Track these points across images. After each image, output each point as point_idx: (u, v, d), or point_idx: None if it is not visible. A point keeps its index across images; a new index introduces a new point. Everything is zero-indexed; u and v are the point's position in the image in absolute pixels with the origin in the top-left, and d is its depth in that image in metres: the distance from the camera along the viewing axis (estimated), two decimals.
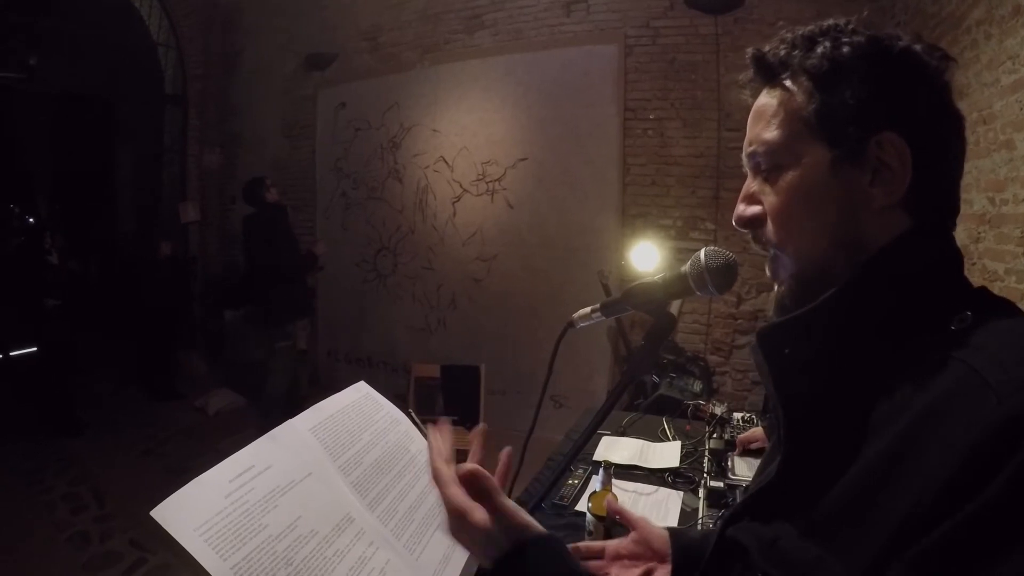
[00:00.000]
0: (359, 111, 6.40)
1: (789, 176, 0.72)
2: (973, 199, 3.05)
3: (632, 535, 1.18)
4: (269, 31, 6.99)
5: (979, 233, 3.02)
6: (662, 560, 1.10)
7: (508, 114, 5.45)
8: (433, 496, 0.99)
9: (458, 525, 0.74)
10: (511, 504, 0.74)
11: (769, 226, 0.75)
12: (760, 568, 0.69)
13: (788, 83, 0.73)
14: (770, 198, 0.74)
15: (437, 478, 0.78)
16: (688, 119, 4.85)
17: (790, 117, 0.72)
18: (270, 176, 5.42)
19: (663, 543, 1.10)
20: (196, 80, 7.40)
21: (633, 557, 1.16)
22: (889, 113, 0.67)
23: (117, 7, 6.85)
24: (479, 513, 0.72)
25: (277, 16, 6.86)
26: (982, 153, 2.98)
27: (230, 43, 7.44)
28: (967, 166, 2.50)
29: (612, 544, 1.19)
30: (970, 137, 3.01)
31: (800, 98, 0.71)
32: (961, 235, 3.13)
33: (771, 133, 0.73)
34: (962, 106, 2.49)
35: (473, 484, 0.75)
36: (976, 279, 3.01)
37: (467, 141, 5.69)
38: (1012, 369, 0.52)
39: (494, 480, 0.76)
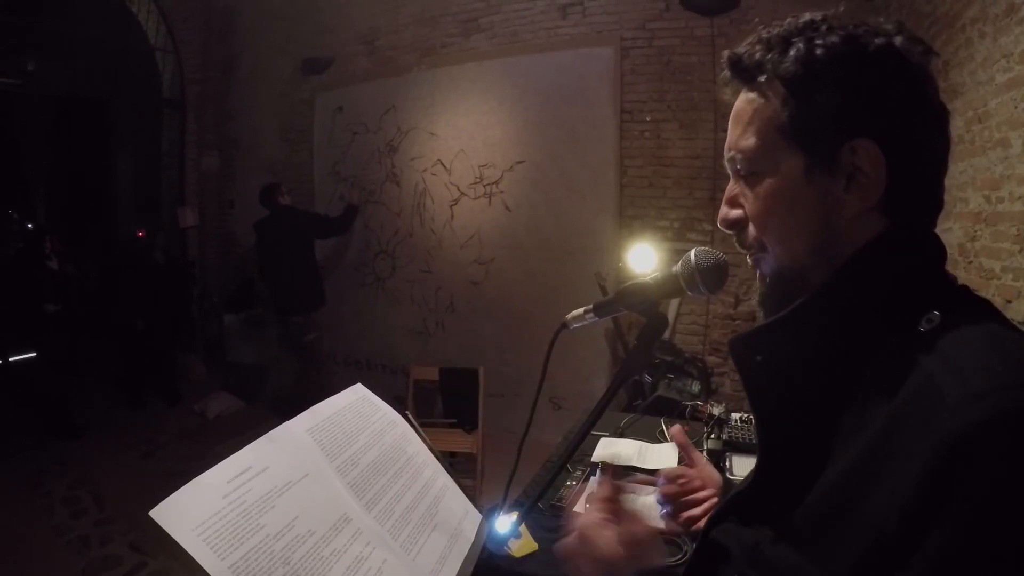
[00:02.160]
0: (356, 115, 6.41)
1: (766, 183, 0.72)
2: (969, 197, 3.06)
3: (693, 470, 1.21)
4: (266, 35, 7.00)
5: (975, 231, 3.03)
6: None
7: (505, 117, 5.46)
8: (430, 497, 1.00)
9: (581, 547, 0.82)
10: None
11: (751, 229, 0.76)
12: (741, 571, 0.71)
13: (764, 87, 0.72)
14: (750, 203, 0.75)
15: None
16: (684, 121, 4.85)
17: (765, 125, 0.72)
18: (264, 179, 5.78)
19: (716, 485, 1.13)
20: (194, 84, 7.41)
21: (690, 479, 1.20)
22: (863, 118, 0.66)
23: (114, 11, 6.86)
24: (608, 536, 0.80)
25: (274, 20, 6.87)
26: (977, 151, 2.99)
27: (227, 47, 7.45)
28: (962, 165, 2.52)
29: (668, 469, 1.22)
30: (965, 135, 3.02)
31: (775, 104, 0.71)
32: (957, 233, 3.13)
33: (748, 140, 0.74)
34: (957, 105, 2.51)
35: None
36: (972, 277, 3.02)
37: (464, 144, 5.70)
38: (969, 380, 0.52)
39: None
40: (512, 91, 5.42)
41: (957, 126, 3.11)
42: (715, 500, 1.11)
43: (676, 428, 1.36)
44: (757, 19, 0.79)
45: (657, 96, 4.92)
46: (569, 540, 0.84)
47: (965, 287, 0.69)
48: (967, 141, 3.06)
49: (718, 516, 0.81)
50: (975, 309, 0.64)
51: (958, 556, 0.48)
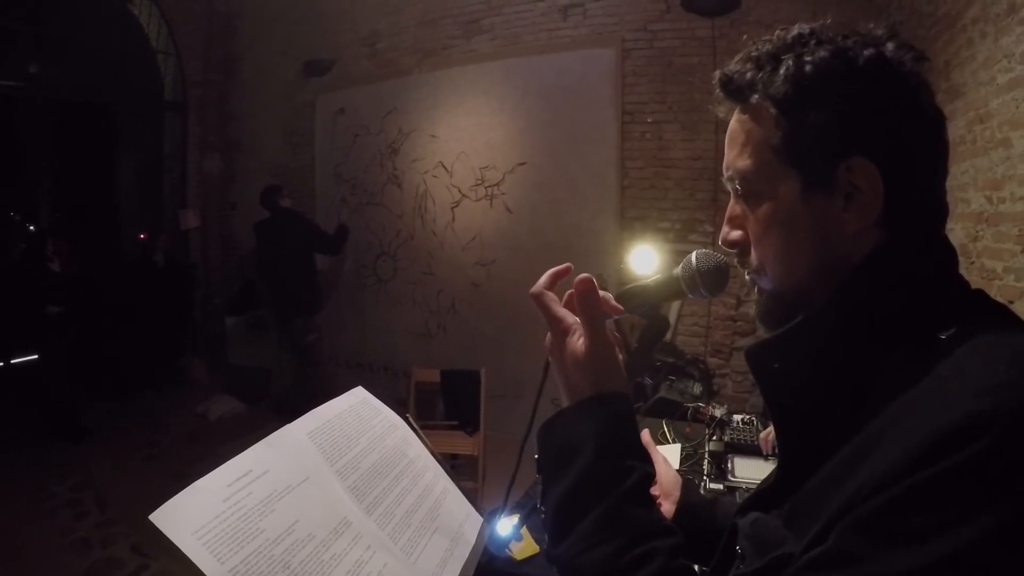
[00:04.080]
0: (358, 117, 6.42)
1: (765, 206, 0.73)
2: (971, 198, 3.06)
3: None
4: (268, 38, 7.01)
5: (977, 232, 3.02)
6: (665, 497, 1.10)
7: (506, 119, 5.46)
8: (431, 500, 1.00)
9: (557, 343, 0.81)
10: (610, 344, 0.78)
11: (752, 252, 0.77)
12: (738, 543, 0.74)
13: (756, 107, 0.72)
14: (751, 224, 0.75)
15: (539, 297, 0.84)
16: (686, 122, 4.85)
17: (759, 146, 0.72)
18: (266, 181, 5.95)
19: (671, 484, 1.11)
20: (196, 87, 7.42)
21: None
22: (856, 135, 0.66)
23: (116, 14, 6.87)
24: (577, 340, 0.78)
25: (275, 23, 6.88)
26: (979, 152, 2.99)
27: (229, 50, 7.47)
28: (964, 165, 2.52)
29: None
30: (967, 136, 3.02)
31: (768, 125, 0.71)
32: (959, 234, 3.13)
33: (744, 161, 0.74)
34: (958, 105, 2.51)
35: (585, 302, 0.78)
36: (975, 278, 3.02)
37: (466, 146, 5.70)
38: (971, 378, 0.53)
39: (603, 299, 0.81)
40: (513, 93, 5.42)
41: (958, 126, 3.11)
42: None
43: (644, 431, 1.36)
44: (746, 36, 0.78)
45: (658, 97, 4.92)
46: (548, 338, 0.84)
47: (981, 291, 0.68)
48: (968, 141, 3.05)
49: (744, 508, 0.82)
50: (994, 317, 0.64)
51: (903, 510, 0.49)
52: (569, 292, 0.83)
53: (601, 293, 0.81)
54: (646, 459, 0.74)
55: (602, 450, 0.71)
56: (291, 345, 6.00)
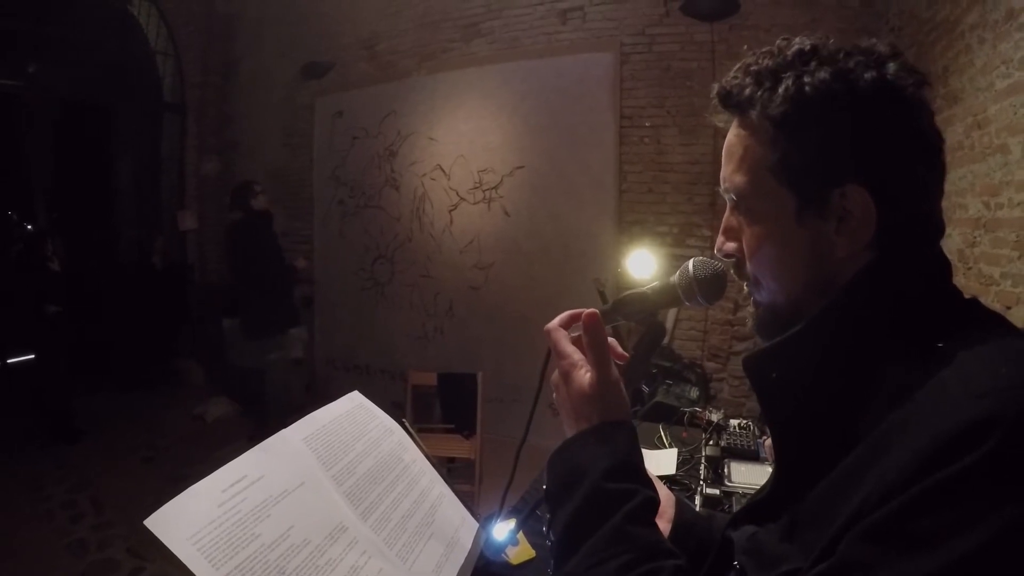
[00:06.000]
0: (356, 119, 6.42)
1: (759, 224, 0.74)
2: (968, 203, 3.06)
3: None
4: (267, 39, 7.02)
5: (974, 237, 3.02)
6: (659, 516, 1.11)
7: (505, 122, 5.46)
8: (426, 505, 1.00)
9: (564, 377, 0.83)
10: (614, 377, 0.80)
11: (747, 264, 0.78)
12: (736, 558, 0.74)
13: (754, 124, 0.72)
14: (746, 237, 0.76)
15: (552, 332, 0.87)
16: (684, 126, 4.85)
17: (756, 164, 0.72)
18: (262, 183, 5.51)
19: (665, 502, 1.10)
20: (194, 88, 7.42)
21: None
22: (853, 162, 0.66)
23: (115, 15, 6.87)
24: (584, 374, 0.80)
25: (275, 24, 6.89)
26: (977, 158, 2.98)
27: (228, 51, 7.47)
28: (962, 171, 2.51)
29: None
30: (965, 141, 3.02)
31: (764, 144, 0.71)
32: (957, 240, 3.13)
33: (740, 178, 0.74)
34: (956, 111, 2.50)
35: (591, 335, 0.81)
36: (972, 283, 3.02)
37: (464, 149, 5.70)
38: (973, 381, 0.53)
39: (608, 343, 0.83)
40: (512, 96, 5.43)
41: (956, 132, 3.11)
42: None
43: None
44: (746, 47, 0.78)
45: (657, 102, 4.93)
46: (556, 374, 0.85)
47: (975, 300, 0.69)
48: (966, 147, 3.05)
49: (736, 520, 0.83)
50: (990, 324, 0.65)
51: (915, 515, 0.49)
52: (576, 335, 0.85)
53: (609, 339, 0.83)
54: (650, 486, 0.75)
55: (608, 473, 0.72)
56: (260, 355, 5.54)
